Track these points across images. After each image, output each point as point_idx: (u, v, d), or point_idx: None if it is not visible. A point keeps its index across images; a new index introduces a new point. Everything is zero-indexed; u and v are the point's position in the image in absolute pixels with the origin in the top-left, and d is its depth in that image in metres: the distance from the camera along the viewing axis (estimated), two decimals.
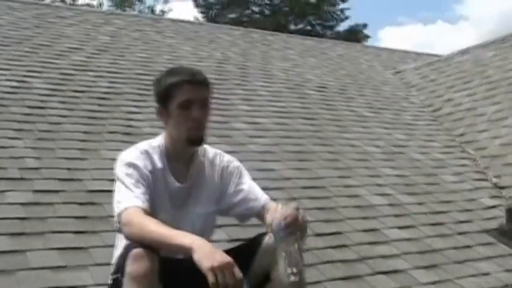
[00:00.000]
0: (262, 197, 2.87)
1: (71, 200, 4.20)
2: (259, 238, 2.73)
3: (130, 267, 2.37)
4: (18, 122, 5.21)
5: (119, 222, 2.55)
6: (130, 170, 2.65)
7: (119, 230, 2.58)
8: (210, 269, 2.28)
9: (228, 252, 2.41)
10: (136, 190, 2.59)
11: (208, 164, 2.89)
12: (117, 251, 2.63)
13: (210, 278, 2.28)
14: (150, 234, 2.42)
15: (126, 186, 2.60)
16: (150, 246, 2.40)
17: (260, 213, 2.82)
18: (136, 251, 2.38)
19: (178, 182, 2.78)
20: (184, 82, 2.70)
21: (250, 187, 2.89)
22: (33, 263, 3.43)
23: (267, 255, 2.59)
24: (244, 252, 2.66)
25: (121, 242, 2.60)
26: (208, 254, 2.32)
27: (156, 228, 2.44)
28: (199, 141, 2.78)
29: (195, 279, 2.61)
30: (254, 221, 2.93)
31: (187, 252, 2.37)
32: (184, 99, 2.69)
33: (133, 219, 2.48)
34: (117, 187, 2.65)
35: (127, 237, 2.52)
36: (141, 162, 2.69)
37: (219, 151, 2.99)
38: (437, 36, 52.03)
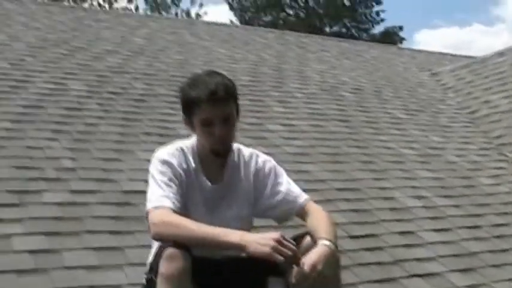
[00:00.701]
0: (301, 197, 2.80)
1: (106, 201, 4.23)
2: (297, 240, 2.63)
3: (164, 267, 2.37)
4: (55, 123, 5.28)
5: (147, 220, 2.55)
6: (164, 168, 2.64)
7: None
8: (271, 252, 2.32)
9: None
10: (167, 189, 2.56)
11: (243, 165, 2.84)
12: (153, 250, 2.63)
13: (278, 258, 2.32)
14: (190, 233, 2.41)
15: (158, 184, 2.59)
16: (184, 246, 2.38)
17: (299, 214, 2.78)
18: (170, 250, 2.37)
19: (212, 183, 2.75)
20: (202, 101, 2.60)
21: (287, 188, 2.81)
22: (68, 262, 3.45)
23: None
24: None
25: (156, 242, 2.59)
26: (259, 241, 2.36)
27: (197, 227, 2.44)
28: (224, 153, 2.74)
29: (226, 281, 2.62)
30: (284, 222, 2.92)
31: (237, 249, 2.41)
32: (203, 118, 2.63)
33: (163, 219, 2.47)
34: (149, 184, 2.63)
35: (153, 237, 2.51)
36: (175, 160, 2.67)
37: (254, 151, 2.93)
38: (473, 39, 51.53)
